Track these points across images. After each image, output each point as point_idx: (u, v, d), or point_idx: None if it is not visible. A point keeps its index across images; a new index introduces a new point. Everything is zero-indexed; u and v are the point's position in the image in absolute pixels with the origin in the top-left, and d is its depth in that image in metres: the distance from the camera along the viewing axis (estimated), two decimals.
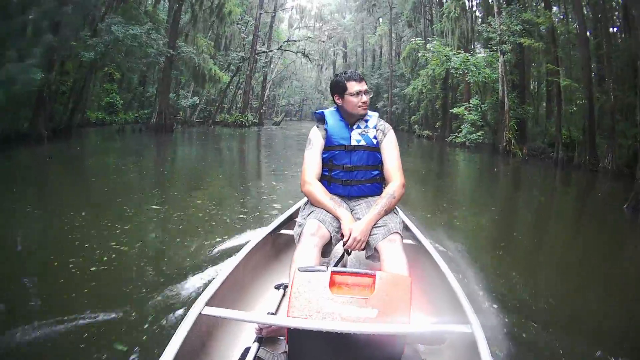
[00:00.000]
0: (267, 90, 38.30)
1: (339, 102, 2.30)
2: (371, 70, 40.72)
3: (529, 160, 14.87)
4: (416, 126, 30.43)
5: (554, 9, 15.68)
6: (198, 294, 1.95)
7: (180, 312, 2.63)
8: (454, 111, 20.26)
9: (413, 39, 21.53)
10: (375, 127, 2.31)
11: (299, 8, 43.32)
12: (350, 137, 2.28)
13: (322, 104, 55.38)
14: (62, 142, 12.88)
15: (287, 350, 1.63)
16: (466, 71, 17.45)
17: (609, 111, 12.49)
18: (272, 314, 2.07)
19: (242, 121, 28.88)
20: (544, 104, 20.20)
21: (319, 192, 2.18)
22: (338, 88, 2.27)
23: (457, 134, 20.01)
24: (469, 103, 19.26)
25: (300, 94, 59.27)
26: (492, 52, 17.25)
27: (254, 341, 1.78)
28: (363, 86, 2.25)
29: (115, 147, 13.84)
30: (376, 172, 2.30)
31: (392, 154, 2.28)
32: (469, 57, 17.41)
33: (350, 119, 2.31)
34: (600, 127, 13.22)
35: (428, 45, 18.59)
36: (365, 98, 2.25)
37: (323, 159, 2.29)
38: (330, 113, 2.36)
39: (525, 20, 15.09)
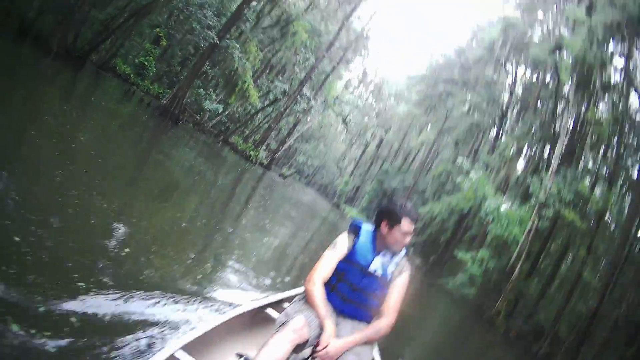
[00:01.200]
0: (291, 139, 36.37)
1: (384, 229, 2.25)
2: (396, 172, 39.64)
3: (514, 344, 12.93)
4: (411, 248, 28.57)
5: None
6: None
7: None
8: (460, 256, 18.15)
9: (460, 158, 20.05)
10: (397, 263, 2.29)
11: (364, 73, 43.33)
12: (372, 262, 2.26)
13: (336, 180, 54.41)
14: (65, 67, 11.37)
15: None
16: (492, 220, 15.63)
17: (614, 321, 11.47)
18: None
19: (250, 155, 26.21)
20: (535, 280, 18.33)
21: (319, 297, 2.17)
22: (392, 218, 2.23)
23: (450, 279, 17.97)
24: (477, 254, 17.33)
25: (321, 159, 57.93)
26: (526, 209, 15.38)
27: None
28: (412, 228, 2.23)
29: (96, 103, 11.24)
30: (375, 303, 2.28)
31: (396, 294, 2.26)
32: (504, 206, 15.71)
33: (381, 246, 2.28)
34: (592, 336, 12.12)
35: (472, 173, 16.89)
36: (409, 239, 2.25)
37: (337, 267, 2.27)
38: (366, 231, 2.33)
39: (577, 191, 13.44)
